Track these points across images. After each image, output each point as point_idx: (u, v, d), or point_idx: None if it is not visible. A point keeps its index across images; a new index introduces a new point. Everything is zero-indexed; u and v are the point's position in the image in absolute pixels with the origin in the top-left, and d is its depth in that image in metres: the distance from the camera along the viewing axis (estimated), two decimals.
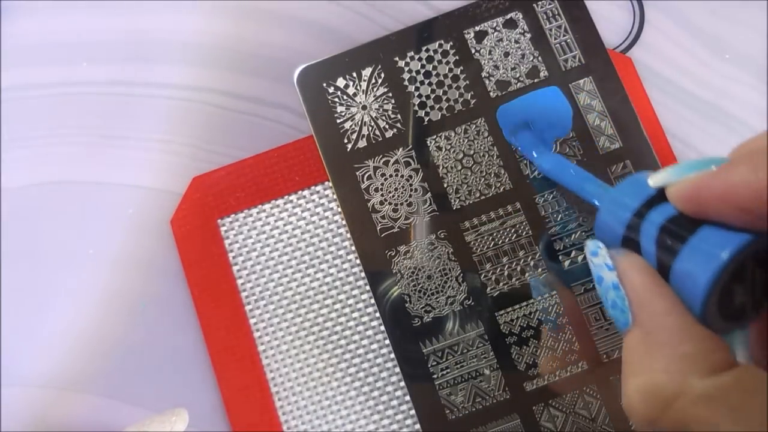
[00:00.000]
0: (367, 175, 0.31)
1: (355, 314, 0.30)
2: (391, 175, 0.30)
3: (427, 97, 0.31)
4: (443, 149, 0.31)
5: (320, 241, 0.30)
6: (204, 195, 0.31)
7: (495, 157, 0.30)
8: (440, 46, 0.31)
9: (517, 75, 0.31)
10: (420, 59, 0.31)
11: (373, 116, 0.31)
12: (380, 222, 0.30)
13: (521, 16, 0.31)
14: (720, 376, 0.18)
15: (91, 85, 0.32)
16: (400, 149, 0.31)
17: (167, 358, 0.30)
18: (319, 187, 0.31)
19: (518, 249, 0.30)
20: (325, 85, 0.31)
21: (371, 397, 0.29)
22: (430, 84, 0.31)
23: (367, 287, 0.30)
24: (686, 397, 0.18)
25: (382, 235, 0.30)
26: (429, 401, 0.29)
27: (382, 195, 0.30)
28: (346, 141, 0.31)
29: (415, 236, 0.30)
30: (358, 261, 0.30)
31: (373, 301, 0.30)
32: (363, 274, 0.30)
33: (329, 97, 0.31)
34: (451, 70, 0.31)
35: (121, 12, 0.33)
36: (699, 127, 0.31)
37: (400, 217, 0.30)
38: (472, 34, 0.31)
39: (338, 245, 0.30)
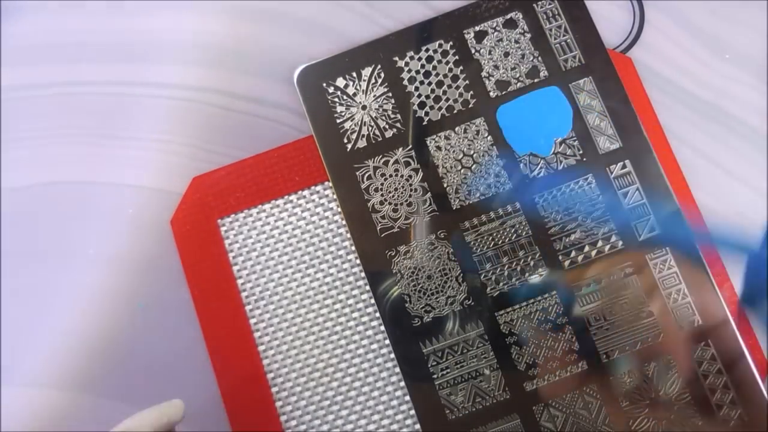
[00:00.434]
0: (367, 175, 0.31)
1: (355, 314, 0.30)
2: (391, 175, 0.30)
3: (427, 97, 0.31)
4: (443, 149, 0.31)
5: (320, 241, 0.30)
6: (204, 195, 0.31)
7: (495, 157, 0.30)
8: (440, 46, 0.31)
9: (517, 75, 0.31)
10: (420, 59, 0.31)
11: (373, 116, 0.31)
12: (380, 222, 0.30)
13: (521, 16, 0.31)
14: None
15: (91, 85, 0.32)
16: (400, 149, 0.31)
17: (167, 358, 0.30)
18: (319, 187, 0.31)
19: (518, 249, 0.30)
20: (325, 85, 0.31)
21: (371, 397, 0.29)
22: (429, 84, 0.31)
23: (367, 287, 0.30)
24: None
25: (382, 235, 0.30)
26: (429, 401, 0.29)
27: (382, 195, 0.30)
28: (346, 141, 0.31)
29: (415, 236, 0.30)
30: (358, 261, 0.30)
31: (373, 301, 0.30)
32: (363, 274, 0.30)
33: (329, 97, 0.31)
34: (450, 70, 0.31)
35: (121, 12, 0.33)
36: (699, 127, 0.31)
37: (400, 217, 0.30)
38: (472, 34, 0.31)
39: (338, 245, 0.30)
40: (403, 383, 0.29)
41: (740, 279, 0.29)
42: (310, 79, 0.31)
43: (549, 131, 0.30)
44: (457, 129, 0.31)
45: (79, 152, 0.32)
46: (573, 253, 0.29)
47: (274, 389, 0.29)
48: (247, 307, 0.30)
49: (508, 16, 0.31)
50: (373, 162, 0.31)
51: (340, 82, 0.31)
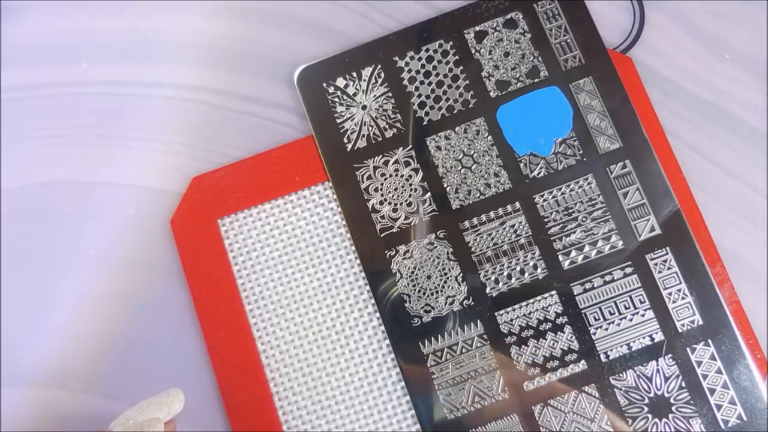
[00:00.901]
0: (366, 175, 0.31)
1: (355, 314, 0.30)
2: (390, 175, 0.30)
3: (427, 97, 0.31)
4: (443, 149, 0.31)
5: (320, 241, 0.30)
6: (204, 195, 0.31)
7: (495, 157, 0.30)
8: (440, 46, 0.31)
9: (517, 75, 0.31)
10: (420, 59, 0.31)
11: (373, 116, 0.31)
12: (380, 222, 0.30)
13: (521, 16, 0.31)
14: None
15: (91, 85, 0.32)
16: (400, 149, 0.31)
17: (167, 358, 0.30)
18: (319, 187, 0.31)
19: (518, 249, 0.30)
20: (325, 85, 0.31)
21: (371, 396, 0.29)
22: (429, 84, 0.31)
23: (367, 287, 0.30)
24: None
25: (382, 235, 0.30)
26: (429, 401, 0.29)
27: (381, 195, 0.30)
28: (345, 141, 0.31)
29: (414, 236, 0.30)
30: (358, 261, 0.30)
31: (373, 301, 0.30)
32: (363, 274, 0.30)
33: (329, 97, 0.31)
34: (451, 70, 0.31)
35: (121, 12, 0.33)
36: (699, 127, 0.31)
37: (399, 217, 0.30)
38: (472, 34, 0.31)
39: (338, 245, 0.30)
40: (403, 383, 0.29)
41: None
42: (310, 79, 0.31)
43: (549, 131, 0.30)
44: (457, 129, 0.31)
45: (79, 152, 0.32)
46: (573, 253, 0.29)
47: (273, 389, 0.29)
48: (247, 307, 0.30)
49: (509, 16, 0.31)
50: (373, 162, 0.31)
51: (340, 82, 0.31)
